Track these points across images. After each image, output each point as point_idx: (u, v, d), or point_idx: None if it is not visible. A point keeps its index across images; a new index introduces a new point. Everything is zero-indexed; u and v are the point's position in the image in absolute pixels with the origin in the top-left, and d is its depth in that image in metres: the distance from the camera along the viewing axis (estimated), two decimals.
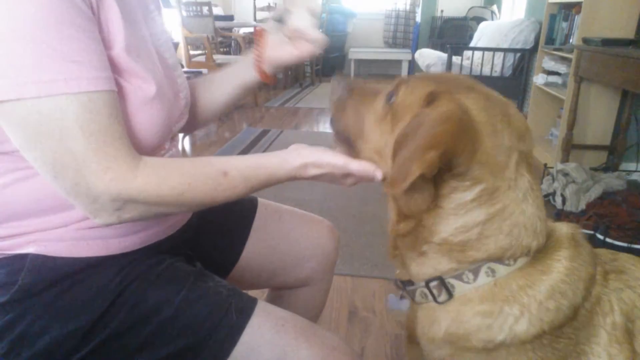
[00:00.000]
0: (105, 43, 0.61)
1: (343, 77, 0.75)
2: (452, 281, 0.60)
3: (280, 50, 0.85)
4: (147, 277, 0.71)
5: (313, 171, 0.69)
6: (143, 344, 0.68)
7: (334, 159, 0.68)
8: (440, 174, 0.54)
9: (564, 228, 0.64)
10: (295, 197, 2.49)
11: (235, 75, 0.91)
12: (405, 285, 0.67)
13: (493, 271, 0.58)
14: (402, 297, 0.71)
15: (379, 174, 0.65)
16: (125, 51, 0.62)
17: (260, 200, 1.00)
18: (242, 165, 0.67)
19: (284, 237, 0.97)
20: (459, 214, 0.56)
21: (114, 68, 0.62)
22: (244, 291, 0.76)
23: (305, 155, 0.69)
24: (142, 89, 0.65)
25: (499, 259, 0.58)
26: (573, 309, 0.57)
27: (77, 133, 0.56)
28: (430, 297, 0.62)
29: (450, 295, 0.60)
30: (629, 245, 1.93)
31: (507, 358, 0.58)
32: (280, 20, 0.84)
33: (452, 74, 0.65)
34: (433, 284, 0.61)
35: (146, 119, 0.66)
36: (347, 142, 0.71)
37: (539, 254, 0.59)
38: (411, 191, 0.55)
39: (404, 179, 0.50)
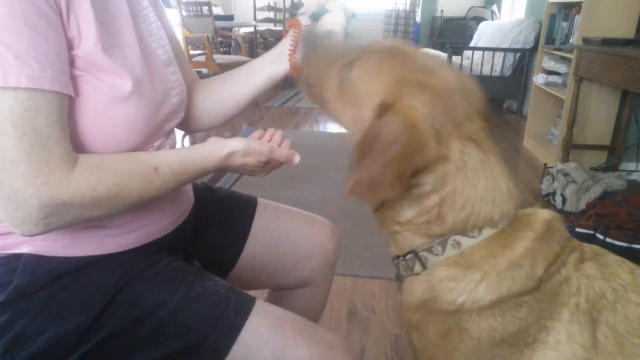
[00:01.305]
0: (74, 41, 0.60)
1: (312, 35, 0.79)
2: (425, 254, 0.66)
3: None
4: (145, 276, 0.71)
5: (240, 160, 0.72)
6: (141, 344, 0.68)
7: (260, 147, 0.72)
8: None
9: (543, 214, 0.67)
10: (295, 197, 2.48)
11: (264, 68, 0.89)
12: (394, 260, 0.73)
13: (458, 243, 0.63)
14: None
15: (297, 159, 0.76)
16: (96, 48, 0.61)
17: (259, 200, 0.99)
18: (171, 160, 0.67)
19: (283, 237, 0.96)
20: (419, 202, 0.63)
21: (84, 65, 0.61)
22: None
23: (230, 145, 0.71)
24: (116, 86, 0.64)
25: (462, 232, 0.63)
26: (532, 280, 0.61)
27: (8, 129, 0.53)
28: (409, 269, 0.69)
29: (424, 266, 0.66)
30: (629, 245, 1.93)
31: (469, 321, 0.62)
32: (316, 17, 0.85)
33: (406, 53, 0.68)
34: (408, 256, 0.68)
35: (122, 115, 0.65)
36: (311, 96, 0.77)
37: (509, 229, 0.63)
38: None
39: (371, 196, 0.59)
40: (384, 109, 0.61)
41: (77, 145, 0.62)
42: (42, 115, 0.55)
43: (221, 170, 0.72)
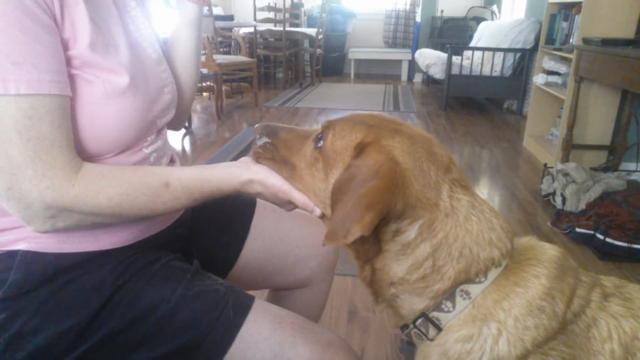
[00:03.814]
0: (70, 42, 0.62)
1: (264, 124, 0.74)
2: (435, 314, 0.59)
3: None
4: (144, 275, 0.71)
5: (258, 188, 0.70)
6: (140, 342, 0.68)
7: (280, 183, 0.69)
8: (379, 223, 0.55)
9: (551, 249, 0.63)
10: None
11: (178, 21, 0.88)
12: (403, 329, 0.66)
13: (467, 292, 0.58)
14: (408, 343, 0.70)
15: (317, 212, 0.68)
16: (90, 47, 0.63)
17: (259, 200, 0.99)
18: (185, 177, 0.67)
19: (283, 237, 0.96)
20: (407, 253, 0.58)
21: (79, 64, 0.62)
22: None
23: (254, 172, 0.69)
24: (111, 82, 0.65)
25: (467, 281, 0.58)
26: (556, 321, 0.56)
27: (14, 137, 0.56)
28: (423, 335, 0.61)
29: (439, 328, 0.60)
30: (629, 245, 1.93)
31: None
32: None
33: (376, 114, 0.65)
34: (419, 322, 0.61)
35: (120, 109, 0.66)
36: (285, 171, 0.71)
37: (514, 265, 0.59)
38: (354, 243, 0.55)
39: (344, 236, 0.52)
40: (360, 149, 0.58)
41: (74, 142, 0.63)
42: (45, 121, 0.57)
43: (239, 192, 0.72)
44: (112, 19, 0.69)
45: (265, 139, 0.72)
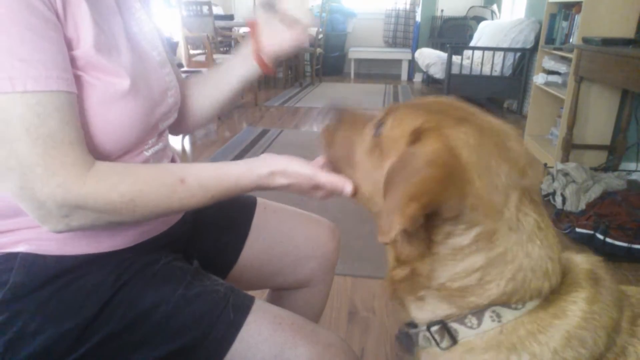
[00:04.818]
0: (72, 42, 0.61)
1: (333, 104, 0.71)
2: (455, 325, 0.55)
3: (277, 37, 0.83)
4: (143, 276, 0.71)
5: (280, 180, 0.67)
6: (140, 343, 0.68)
7: (302, 169, 0.66)
8: (431, 220, 0.50)
9: (583, 263, 0.57)
10: (295, 197, 2.48)
11: (234, 70, 0.89)
12: (409, 327, 0.62)
13: (499, 315, 0.52)
14: (406, 337, 0.65)
15: (348, 188, 0.64)
16: (94, 48, 0.62)
17: (259, 199, 0.99)
18: (202, 174, 0.66)
19: (283, 237, 0.96)
20: (456, 260, 0.52)
21: (83, 65, 0.62)
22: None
23: (272, 164, 0.67)
24: (113, 84, 0.64)
25: (504, 304, 0.52)
26: (595, 358, 0.50)
27: (22, 135, 0.55)
28: (433, 342, 0.57)
29: (454, 340, 0.55)
30: (629, 245, 1.93)
31: None
32: (268, 5, 0.80)
33: (447, 99, 0.58)
34: (434, 328, 0.56)
35: (121, 113, 0.65)
36: (337, 170, 0.68)
37: (552, 294, 0.53)
38: (402, 239, 0.52)
39: (388, 231, 0.46)
40: (417, 136, 0.52)
41: None
42: (55, 118, 0.56)
43: (263, 189, 0.68)
44: (114, 21, 0.69)
45: (330, 121, 0.68)
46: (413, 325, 0.61)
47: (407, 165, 0.49)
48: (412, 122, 0.54)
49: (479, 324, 0.53)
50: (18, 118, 0.54)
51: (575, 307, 0.52)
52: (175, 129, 0.94)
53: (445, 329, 0.55)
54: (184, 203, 0.65)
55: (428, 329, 0.57)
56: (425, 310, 0.57)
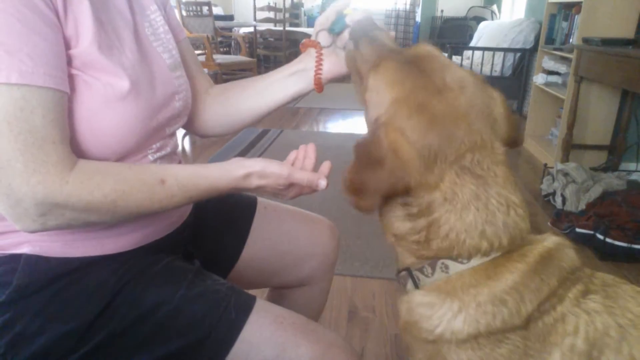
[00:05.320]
0: (72, 40, 0.60)
1: (356, 25, 0.78)
2: (417, 273, 0.66)
3: (338, 64, 0.84)
4: (145, 277, 0.71)
5: (256, 182, 0.68)
6: (142, 344, 0.68)
7: (279, 169, 0.68)
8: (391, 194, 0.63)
9: (547, 242, 0.64)
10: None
11: (286, 85, 0.88)
12: (397, 274, 0.73)
13: (447, 267, 0.63)
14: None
15: (323, 183, 0.71)
16: (94, 47, 0.62)
17: (259, 199, 0.99)
18: (181, 175, 0.66)
19: (283, 236, 0.96)
20: (409, 220, 0.63)
21: (81, 64, 0.61)
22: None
23: (248, 166, 0.68)
24: (112, 85, 0.64)
25: (450, 257, 0.62)
26: (518, 318, 0.58)
27: (4, 128, 0.54)
28: (402, 286, 0.68)
29: (416, 286, 0.66)
30: (629, 245, 1.93)
31: (449, 353, 0.62)
32: (336, 30, 0.82)
33: (437, 62, 0.66)
34: (402, 274, 0.69)
35: (118, 115, 0.65)
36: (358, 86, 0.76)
37: (501, 259, 0.62)
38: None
39: (355, 205, 0.61)
40: (378, 125, 0.61)
41: (71, 144, 0.62)
42: (38, 114, 0.55)
43: (238, 191, 0.70)
44: (120, 21, 0.68)
45: (353, 45, 0.76)
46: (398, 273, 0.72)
47: (369, 153, 0.61)
48: (381, 99, 0.64)
49: (432, 273, 0.64)
50: (1, 110, 0.53)
51: (510, 276, 0.60)
52: (193, 130, 0.94)
53: (410, 275, 0.67)
54: (164, 204, 0.65)
55: (397, 274, 0.70)
56: (399, 258, 0.70)
